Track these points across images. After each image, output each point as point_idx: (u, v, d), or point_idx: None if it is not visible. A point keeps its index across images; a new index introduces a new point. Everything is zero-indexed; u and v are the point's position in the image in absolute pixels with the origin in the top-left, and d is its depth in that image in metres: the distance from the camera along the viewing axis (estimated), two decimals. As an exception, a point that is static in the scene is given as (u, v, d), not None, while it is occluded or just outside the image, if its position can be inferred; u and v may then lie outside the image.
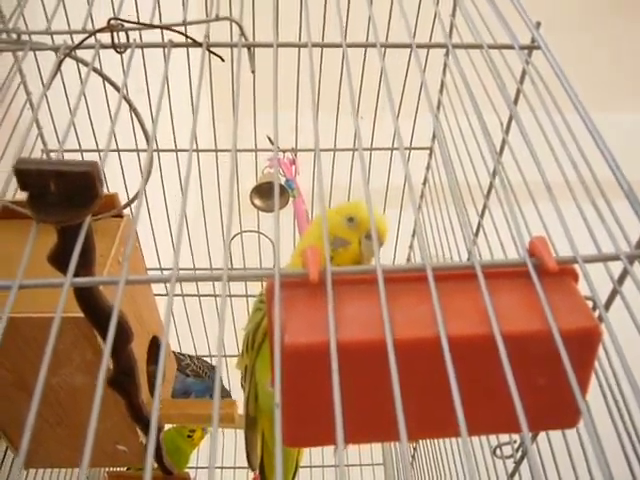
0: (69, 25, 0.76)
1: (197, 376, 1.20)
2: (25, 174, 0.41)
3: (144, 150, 0.98)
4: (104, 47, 0.58)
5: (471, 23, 0.65)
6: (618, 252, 0.41)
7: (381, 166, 1.06)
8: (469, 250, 0.84)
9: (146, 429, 0.64)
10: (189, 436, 1.26)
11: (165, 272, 1.19)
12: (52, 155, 0.99)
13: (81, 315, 0.62)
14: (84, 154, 1.00)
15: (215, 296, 1.16)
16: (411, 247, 1.19)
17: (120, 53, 0.58)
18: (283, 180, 0.96)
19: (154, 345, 0.89)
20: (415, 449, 1.18)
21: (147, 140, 0.61)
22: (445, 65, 0.91)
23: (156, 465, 0.75)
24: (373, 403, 0.40)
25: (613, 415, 0.52)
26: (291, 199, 0.96)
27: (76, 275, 0.42)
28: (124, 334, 0.53)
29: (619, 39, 2.71)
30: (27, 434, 0.34)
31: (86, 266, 0.46)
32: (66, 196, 0.42)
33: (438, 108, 0.99)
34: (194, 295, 1.17)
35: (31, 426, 0.34)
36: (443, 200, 0.96)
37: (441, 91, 0.94)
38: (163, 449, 0.68)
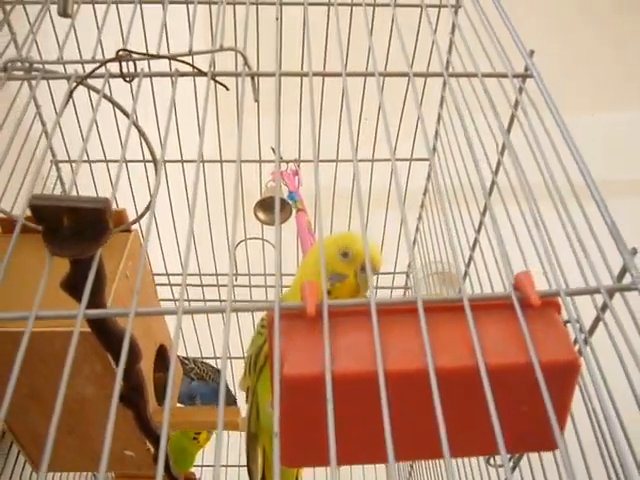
0: (80, 54, 0.79)
1: (201, 379, 1.23)
2: (40, 210, 0.44)
3: (149, 161, 1.00)
4: (113, 76, 0.60)
5: (468, 52, 0.67)
6: (599, 286, 0.43)
7: (384, 173, 1.08)
8: (469, 259, 0.87)
9: (153, 441, 0.67)
10: (194, 438, 1.29)
11: (174, 295, 1.22)
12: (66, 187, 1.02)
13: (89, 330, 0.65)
14: (92, 165, 1.03)
15: (221, 312, 1.19)
16: (415, 242, 1.20)
17: (128, 82, 0.61)
18: (286, 194, 0.98)
19: (161, 352, 0.92)
20: (412, 466, 1.22)
21: (155, 165, 0.64)
22: (442, 98, 0.93)
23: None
24: (365, 428, 0.42)
25: (596, 432, 0.54)
26: (294, 211, 0.99)
27: (88, 302, 0.45)
28: (133, 355, 0.55)
29: (624, 37, 2.72)
30: (49, 446, 0.36)
31: (97, 294, 0.49)
32: (78, 230, 0.45)
33: (438, 122, 1.01)
34: (200, 300, 1.20)
35: (53, 438, 0.37)
36: (442, 210, 0.98)
37: (441, 105, 0.96)
38: (170, 458, 0.71)
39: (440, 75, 0.62)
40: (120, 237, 0.80)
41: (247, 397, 0.70)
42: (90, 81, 0.62)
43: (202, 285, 1.17)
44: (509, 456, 0.70)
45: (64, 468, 0.94)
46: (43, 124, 0.94)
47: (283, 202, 0.98)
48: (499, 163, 0.69)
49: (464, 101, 0.75)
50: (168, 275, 1.20)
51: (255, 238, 1.17)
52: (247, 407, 0.70)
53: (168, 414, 0.34)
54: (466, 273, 0.87)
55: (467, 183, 0.79)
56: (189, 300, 1.23)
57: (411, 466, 1.29)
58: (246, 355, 0.69)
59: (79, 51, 0.81)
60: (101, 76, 0.60)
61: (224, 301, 1.23)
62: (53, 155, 1.01)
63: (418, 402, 0.41)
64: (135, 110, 0.59)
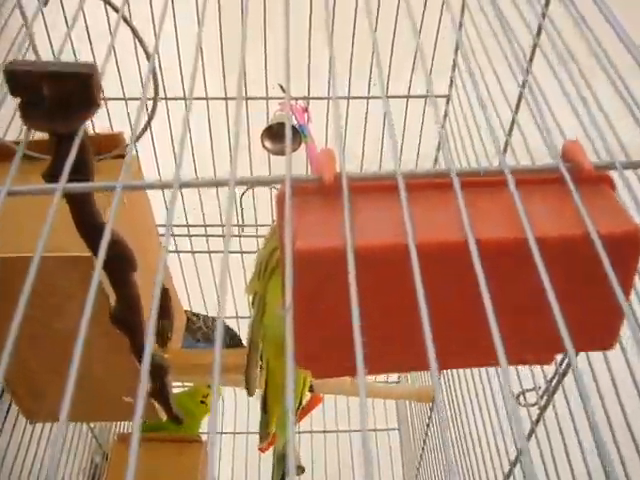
0: None
1: (207, 340, 1.17)
2: (16, 76, 0.38)
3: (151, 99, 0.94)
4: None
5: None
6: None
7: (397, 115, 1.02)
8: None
9: (152, 374, 0.62)
10: (202, 402, 1.24)
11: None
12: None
13: (87, 254, 0.59)
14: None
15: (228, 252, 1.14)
16: (436, 161, 1.13)
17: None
18: (295, 123, 0.93)
19: (162, 296, 0.86)
20: (432, 410, 1.15)
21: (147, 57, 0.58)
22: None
23: (164, 413, 0.73)
24: (395, 321, 0.37)
25: None
26: (303, 144, 0.93)
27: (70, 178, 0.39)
28: (124, 260, 0.50)
29: None
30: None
31: (86, 178, 0.43)
32: (60, 101, 0.39)
33: (456, 52, 0.95)
34: (205, 252, 1.15)
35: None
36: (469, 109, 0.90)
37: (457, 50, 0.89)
38: (170, 393, 0.65)
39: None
40: (116, 163, 0.75)
41: (252, 302, 0.65)
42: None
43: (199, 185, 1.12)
44: (541, 392, 0.65)
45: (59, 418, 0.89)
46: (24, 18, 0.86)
47: (293, 130, 0.91)
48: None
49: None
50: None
51: (263, 184, 1.10)
52: (252, 312, 0.65)
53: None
54: (507, 144, 0.77)
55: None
56: (192, 251, 1.18)
57: (421, 456, 1.23)
58: (256, 260, 0.64)
59: None
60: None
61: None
62: (36, 53, 0.94)
63: (456, 286, 0.36)
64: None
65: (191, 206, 1.12)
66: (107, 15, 0.78)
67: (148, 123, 0.68)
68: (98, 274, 0.35)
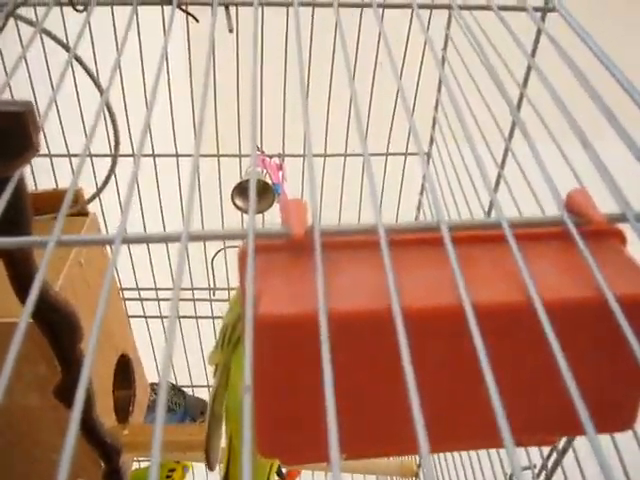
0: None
1: (169, 411, 1.09)
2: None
3: (111, 155, 0.90)
4: (60, 4, 0.50)
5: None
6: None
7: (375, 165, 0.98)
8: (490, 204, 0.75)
9: (103, 453, 0.55)
10: (168, 477, 1.16)
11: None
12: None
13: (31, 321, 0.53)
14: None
15: (196, 317, 1.07)
16: (419, 208, 1.08)
17: (78, 11, 0.51)
18: (269, 181, 0.88)
19: (123, 366, 0.80)
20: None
21: (116, 146, 0.53)
22: (446, 37, 0.83)
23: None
24: (375, 399, 0.31)
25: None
26: (276, 203, 0.88)
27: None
28: (69, 328, 0.44)
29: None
30: None
31: (20, 227, 0.38)
32: (-10, 144, 0.34)
33: (436, 108, 0.92)
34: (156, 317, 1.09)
35: None
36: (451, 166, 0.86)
37: (445, 47, 0.86)
38: (125, 474, 0.58)
39: (447, 7, 0.52)
40: (75, 220, 0.70)
41: (215, 372, 0.58)
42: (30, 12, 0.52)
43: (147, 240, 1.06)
44: (537, 470, 0.59)
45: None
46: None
47: (266, 186, 0.87)
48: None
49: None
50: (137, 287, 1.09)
51: (234, 246, 1.05)
52: (214, 382, 0.58)
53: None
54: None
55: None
56: (161, 316, 1.11)
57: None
58: (221, 325, 0.58)
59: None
60: (45, 4, 0.50)
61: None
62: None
63: (447, 358, 0.30)
64: (76, 45, 0.48)
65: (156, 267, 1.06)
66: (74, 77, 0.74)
67: (106, 180, 0.63)
68: (20, 337, 0.29)
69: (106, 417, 0.72)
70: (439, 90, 0.92)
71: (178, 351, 1.16)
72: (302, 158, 0.90)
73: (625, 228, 0.34)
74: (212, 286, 1.10)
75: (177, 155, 0.94)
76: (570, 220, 0.32)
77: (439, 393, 0.30)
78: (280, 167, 0.92)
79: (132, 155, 0.93)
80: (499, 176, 0.66)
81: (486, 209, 0.73)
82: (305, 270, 0.30)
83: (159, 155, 0.93)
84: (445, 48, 0.84)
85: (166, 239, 0.31)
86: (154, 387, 0.99)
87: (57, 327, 0.43)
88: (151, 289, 1.09)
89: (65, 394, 0.48)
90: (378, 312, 0.28)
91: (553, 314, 0.27)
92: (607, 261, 0.31)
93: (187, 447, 0.72)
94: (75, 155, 0.90)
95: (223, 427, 0.62)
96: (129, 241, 0.31)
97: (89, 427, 0.50)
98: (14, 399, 0.63)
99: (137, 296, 1.08)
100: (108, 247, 0.77)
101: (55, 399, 0.49)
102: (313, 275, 0.28)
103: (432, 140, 0.94)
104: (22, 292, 0.40)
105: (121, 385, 0.82)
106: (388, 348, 0.26)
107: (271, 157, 0.94)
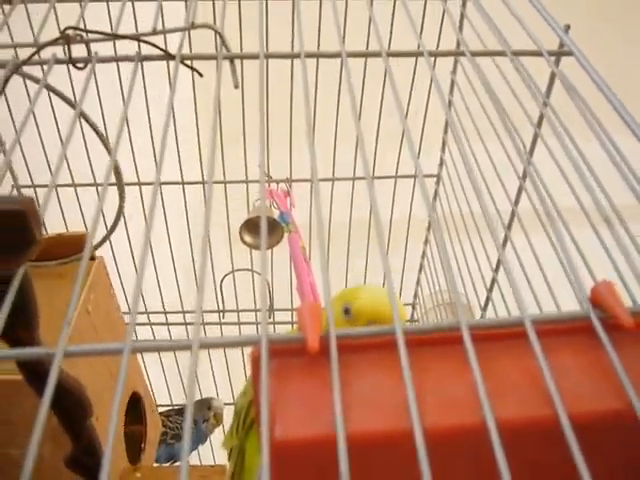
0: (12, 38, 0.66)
1: (179, 439, 1.07)
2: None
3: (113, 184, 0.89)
4: (60, 62, 0.49)
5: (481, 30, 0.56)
6: None
7: (384, 197, 0.97)
8: (491, 283, 0.74)
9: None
10: None
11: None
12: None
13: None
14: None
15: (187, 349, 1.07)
16: (418, 283, 1.10)
17: (79, 69, 0.49)
18: (276, 214, 0.87)
19: (134, 402, 0.79)
20: None
21: (117, 174, 0.52)
22: (452, 82, 0.83)
23: None
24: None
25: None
26: (286, 234, 0.87)
27: (15, 339, 0.33)
28: (79, 407, 0.43)
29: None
30: None
31: (26, 327, 0.37)
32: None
33: (446, 131, 0.90)
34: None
35: None
36: (454, 229, 0.87)
37: (451, 91, 0.85)
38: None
39: (459, 54, 0.51)
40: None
41: (229, 456, 0.57)
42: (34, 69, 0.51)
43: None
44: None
45: None
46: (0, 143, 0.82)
47: (274, 223, 0.86)
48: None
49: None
50: (148, 314, 1.08)
51: (243, 269, 1.04)
52: (229, 466, 0.57)
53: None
54: (488, 300, 0.74)
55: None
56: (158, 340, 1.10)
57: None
58: (234, 409, 0.56)
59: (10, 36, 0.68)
60: (46, 62, 0.49)
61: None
62: (14, 179, 0.89)
63: (472, 474, 0.29)
64: (81, 99, 0.47)
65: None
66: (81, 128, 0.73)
67: (113, 226, 0.62)
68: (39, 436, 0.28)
69: (118, 460, 0.71)
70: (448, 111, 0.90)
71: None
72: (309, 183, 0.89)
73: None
74: (221, 308, 1.09)
75: (183, 183, 0.93)
76: (596, 316, 0.31)
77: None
78: (288, 194, 0.90)
79: (137, 183, 0.92)
80: (513, 214, 0.65)
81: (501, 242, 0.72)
82: (321, 381, 0.28)
83: (165, 183, 0.91)
84: (454, 71, 0.83)
85: (176, 347, 0.30)
86: (164, 417, 0.98)
87: (67, 407, 0.42)
88: (160, 312, 1.08)
89: (76, 465, 0.47)
90: (397, 433, 0.27)
91: (578, 428, 0.26)
92: (636, 359, 0.30)
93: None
94: (80, 185, 0.89)
95: None
96: (138, 350, 0.30)
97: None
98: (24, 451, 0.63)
99: (147, 321, 1.07)
100: (115, 285, 0.76)
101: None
102: (330, 388, 0.27)
103: (442, 162, 0.93)
104: (35, 381, 0.39)
105: (131, 421, 0.81)
106: (409, 469, 0.25)
107: (278, 183, 0.92)
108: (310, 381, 0.29)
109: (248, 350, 0.31)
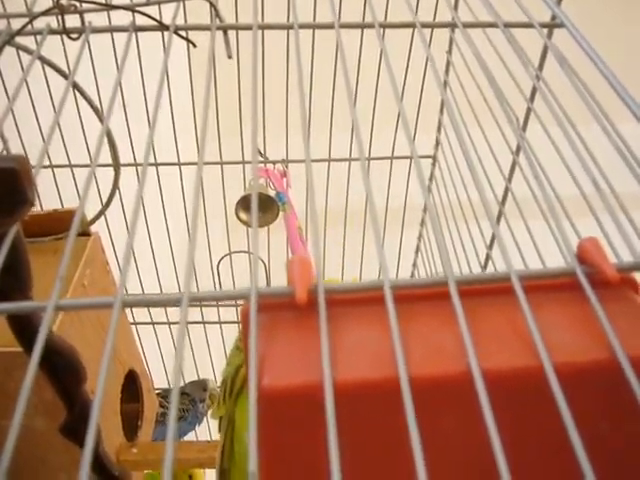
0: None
1: (179, 419, 1.07)
2: None
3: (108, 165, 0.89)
4: (54, 32, 0.49)
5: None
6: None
7: (380, 179, 0.97)
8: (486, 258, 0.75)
9: (111, 484, 0.54)
10: None
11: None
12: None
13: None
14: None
15: (203, 322, 1.07)
16: (415, 265, 1.10)
17: (73, 39, 0.50)
18: (273, 192, 0.87)
19: (130, 380, 0.79)
20: None
21: (111, 146, 0.52)
22: (447, 62, 0.83)
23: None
24: (384, 471, 0.31)
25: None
26: (282, 213, 0.87)
27: (6, 298, 0.34)
28: (73, 372, 0.43)
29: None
30: None
31: (20, 288, 0.37)
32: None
33: (442, 111, 0.91)
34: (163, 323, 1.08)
35: None
36: (450, 210, 0.87)
37: (446, 82, 0.85)
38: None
39: (452, 25, 0.51)
40: (77, 242, 0.69)
41: (220, 426, 0.57)
42: (27, 40, 0.51)
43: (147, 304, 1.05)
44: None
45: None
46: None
47: (270, 200, 0.86)
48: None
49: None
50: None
51: (240, 251, 1.05)
52: (220, 437, 0.57)
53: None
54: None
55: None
56: (169, 322, 1.11)
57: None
58: (220, 379, 0.57)
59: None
60: (39, 32, 0.49)
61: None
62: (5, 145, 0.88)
63: (457, 428, 0.29)
64: (75, 71, 0.47)
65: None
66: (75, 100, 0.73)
67: (109, 200, 0.62)
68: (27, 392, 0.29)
69: (115, 436, 0.72)
70: (444, 91, 0.90)
71: (186, 356, 1.16)
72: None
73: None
74: (218, 290, 1.09)
75: (180, 164, 0.93)
76: (582, 271, 0.31)
77: (449, 465, 0.29)
78: (284, 174, 0.91)
79: (134, 164, 0.92)
80: (506, 190, 0.65)
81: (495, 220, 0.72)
82: (309, 333, 0.29)
83: (161, 164, 0.92)
84: (450, 51, 0.83)
85: (166, 303, 0.30)
86: (161, 398, 0.99)
87: (59, 370, 0.43)
88: (157, 294, 1.09)
89: (71, 432, 0.48)
90: (384, 381, 0.27)
91: (564, 379, 0.26)
92: (620, 314, 0.30)
93: (197, 464, 0.72)
94: (77, 166, 0.89)
95: None
96: (128, 305, 0.30)
97: (97, 464, 0.49)
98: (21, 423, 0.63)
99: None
100: (113, 266, 0.76)
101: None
102: (318, 339, 0.28)
103: (437, 143, 0.93)
104: (25, 341, 0.39)
105: (128, 399, 0.81)
106: (395, 417, 0.26)
107: (275, 163, 0.93)
108: (298, 333, 0.29)
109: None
